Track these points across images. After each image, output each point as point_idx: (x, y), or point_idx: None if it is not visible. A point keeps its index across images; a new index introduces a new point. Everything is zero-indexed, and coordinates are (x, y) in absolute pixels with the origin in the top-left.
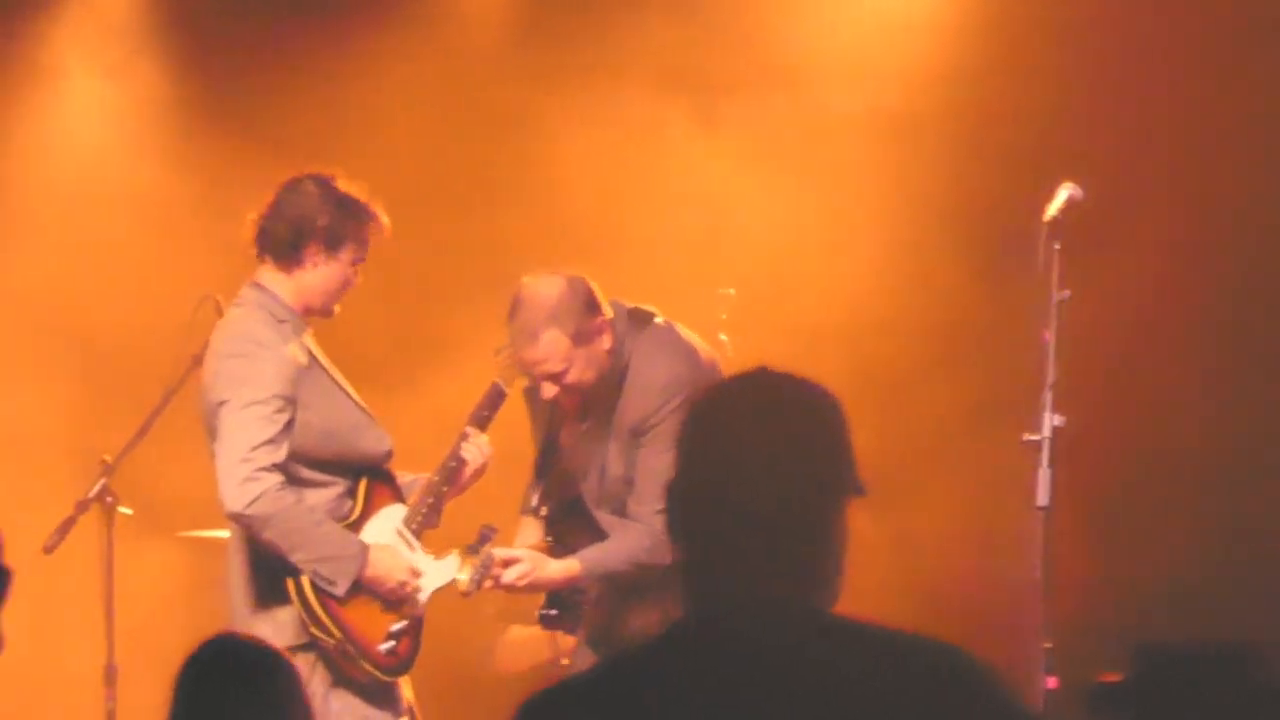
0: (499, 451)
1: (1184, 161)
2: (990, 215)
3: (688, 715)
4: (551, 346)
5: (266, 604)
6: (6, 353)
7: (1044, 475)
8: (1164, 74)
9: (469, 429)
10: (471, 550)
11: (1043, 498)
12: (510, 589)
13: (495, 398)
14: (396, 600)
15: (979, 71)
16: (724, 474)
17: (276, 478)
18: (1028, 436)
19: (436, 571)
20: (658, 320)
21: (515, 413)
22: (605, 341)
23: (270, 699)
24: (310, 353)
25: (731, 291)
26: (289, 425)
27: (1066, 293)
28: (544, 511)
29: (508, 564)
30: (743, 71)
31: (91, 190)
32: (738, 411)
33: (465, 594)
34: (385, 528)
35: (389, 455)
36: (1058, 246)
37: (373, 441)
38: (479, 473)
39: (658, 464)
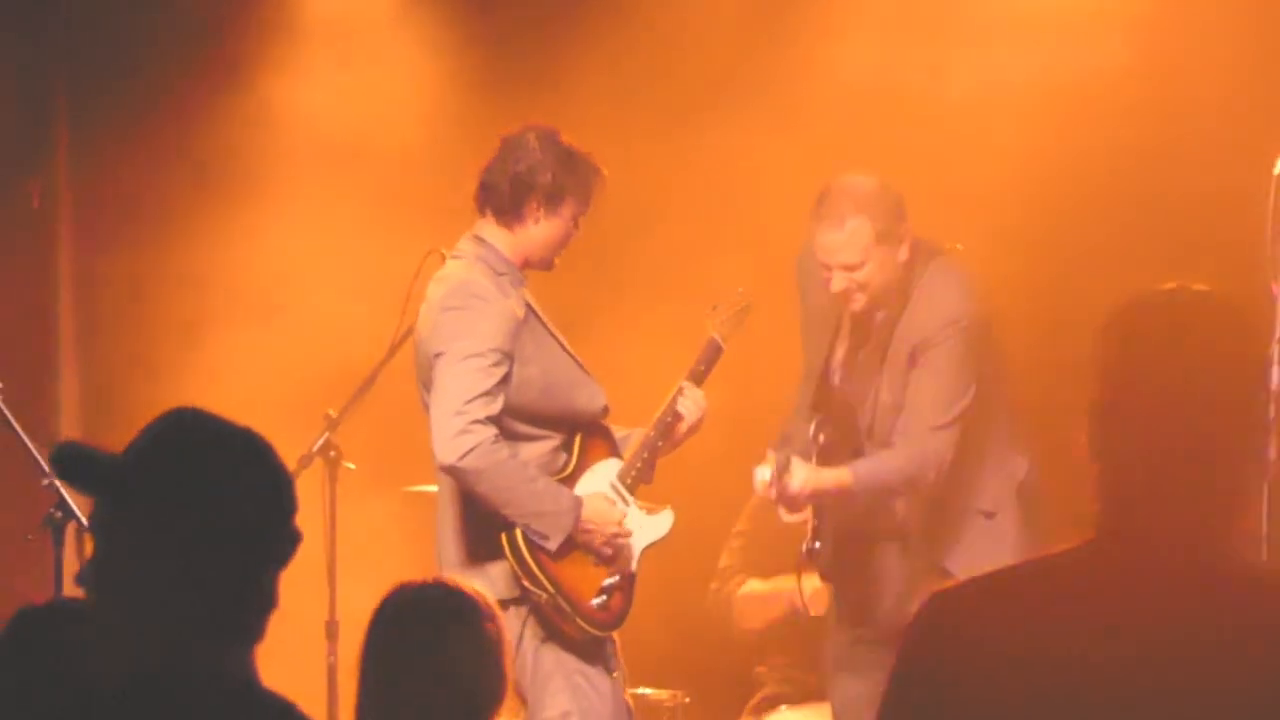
0: (716, 410)
1: None
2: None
3: (1088, 633)
4: (856, 235)
5: (478, 558)
6: (235, 312)
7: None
8: None
9: (685, 384)
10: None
11: (1271, 453)
12: (795, 498)
13: (712, 352)
14: (609, 554)
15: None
16: (1152, 394)
17: (491, 431)
18: None
19: (649, 526)
20: (944, 256)
21: (737, 372)
22: (904, 251)
23: (470, 642)
24: (529, 306)
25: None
26: (505, 379)
27: None
28: (822, 439)
29: (784, 468)
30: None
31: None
32: (1160, 335)
33: (765, 485)
34: (599, 482)
35: (605, 411)
36: None
37: (588, 397)
38: (694, 428)
39: (936, 382)
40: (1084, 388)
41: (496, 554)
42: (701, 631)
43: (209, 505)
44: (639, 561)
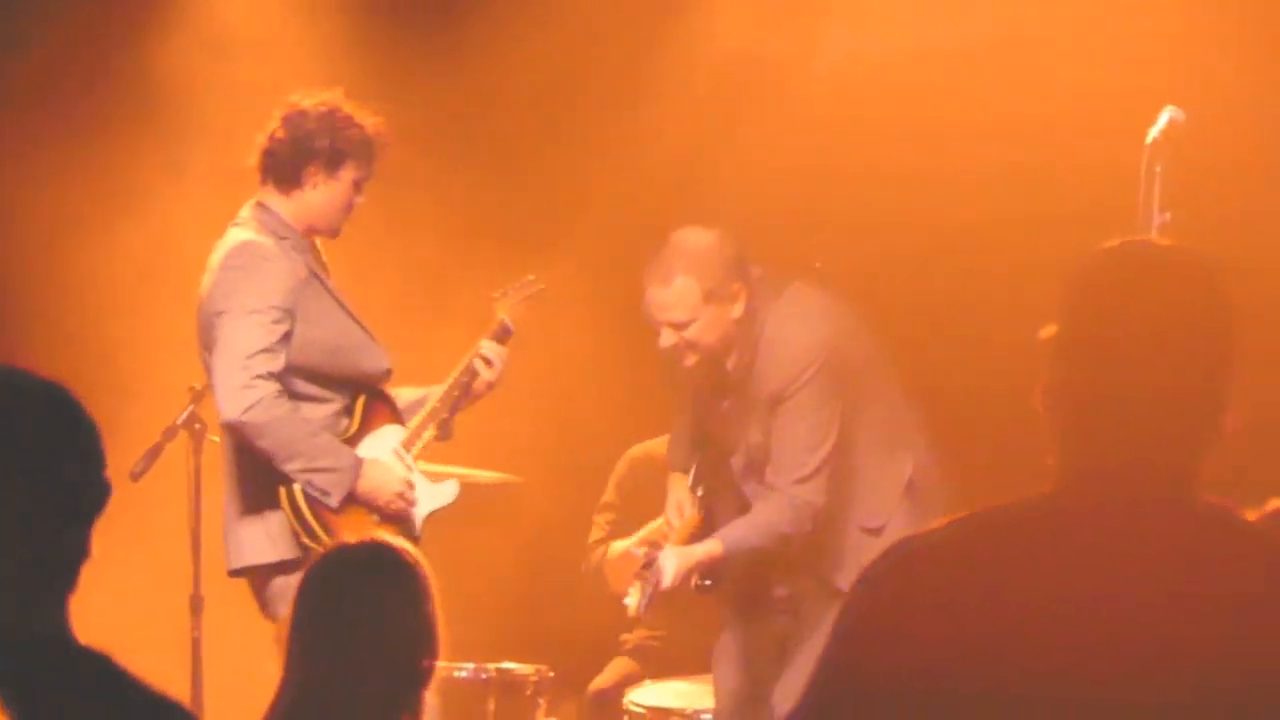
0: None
1: None
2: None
3: (1059, 576)
4: (682, 294)
5: (259, 512)
6: (109, 293)
7: None
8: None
9: (484, 341)
10: (643, 574)
11: None
12: (674, 590)
13: (501, 333)
14: (391, 517)
15: None
16: (1112, 343)
17: (273, 386)
18: None
19: (433, 495)
20: (795, 285)
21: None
22: (736, 309)
23: (403, 596)
24: (312, 270)
25: None
26: (286, 336)
27: (1167, 215)
28: (700, 491)
29: (651, 561)
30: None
31: None
32: (1126, 281)
33: (635, 615)
34: (381, 447)
35: (387, 374)
36: (1159, 169)
37: (372, 360)
38: (492, 385)
39: (794, 431)
40: (977, 365)
41: (277, 507)
42: (564, 605)
43: (17, 457)
44: (422, 529)
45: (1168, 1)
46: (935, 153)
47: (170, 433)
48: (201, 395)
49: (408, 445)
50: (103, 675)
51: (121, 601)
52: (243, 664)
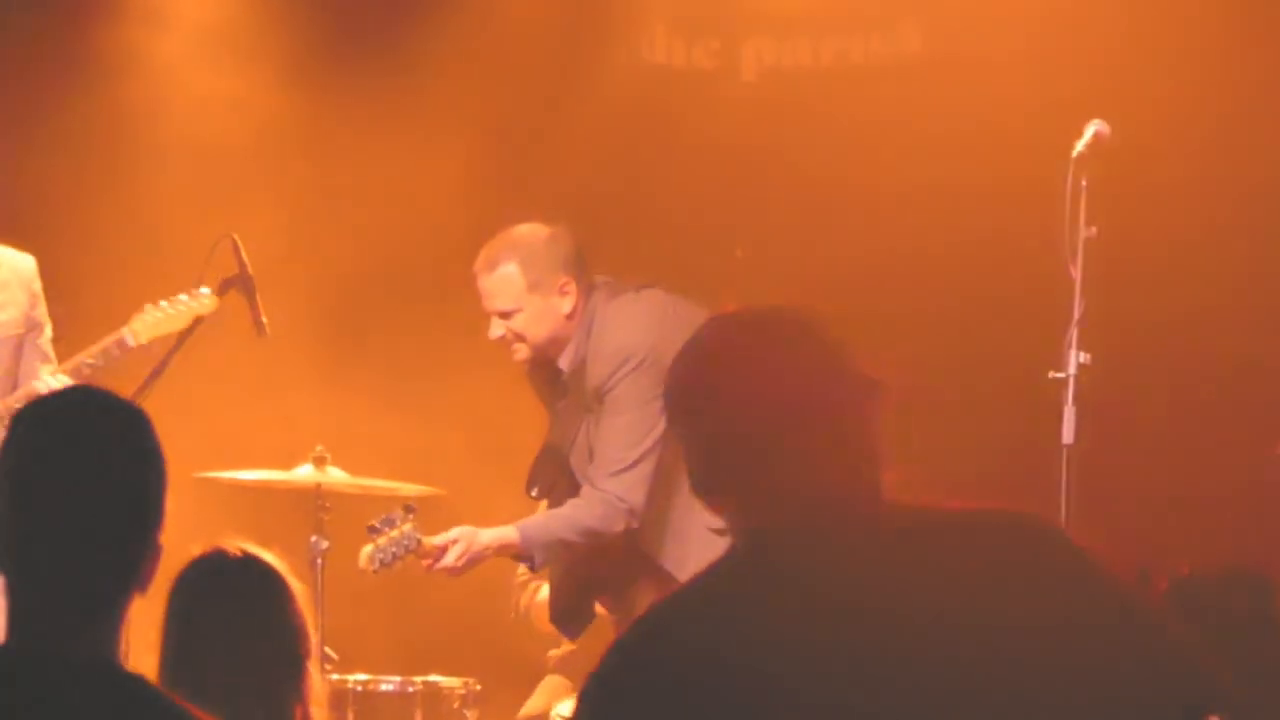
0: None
1: (1215, 98)
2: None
3: (783, 626)
4: (505, 281)
5: None
6: None
7: (1069, 413)
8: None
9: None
10: (377, 528)
11: (1068, 436)
12: (452, 572)
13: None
14: None
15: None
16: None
17: None
18: (1054, 374)
19: None
20: (647, 291)
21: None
22: (564, 304)
23: (270, 600)
24: None
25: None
26: None
27: (1093, 230)
28: (535, 492)
29: (444, 550)
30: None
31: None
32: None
33: (372, 570)
34: None
35: None
36: (1085, 183)
37: None
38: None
39: (611, 425)
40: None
41: None
42: (493, 618)
43: (87, 478)
44: None
45: (1092, 15)
46: (859, 168)
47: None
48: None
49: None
50: (143, 699)
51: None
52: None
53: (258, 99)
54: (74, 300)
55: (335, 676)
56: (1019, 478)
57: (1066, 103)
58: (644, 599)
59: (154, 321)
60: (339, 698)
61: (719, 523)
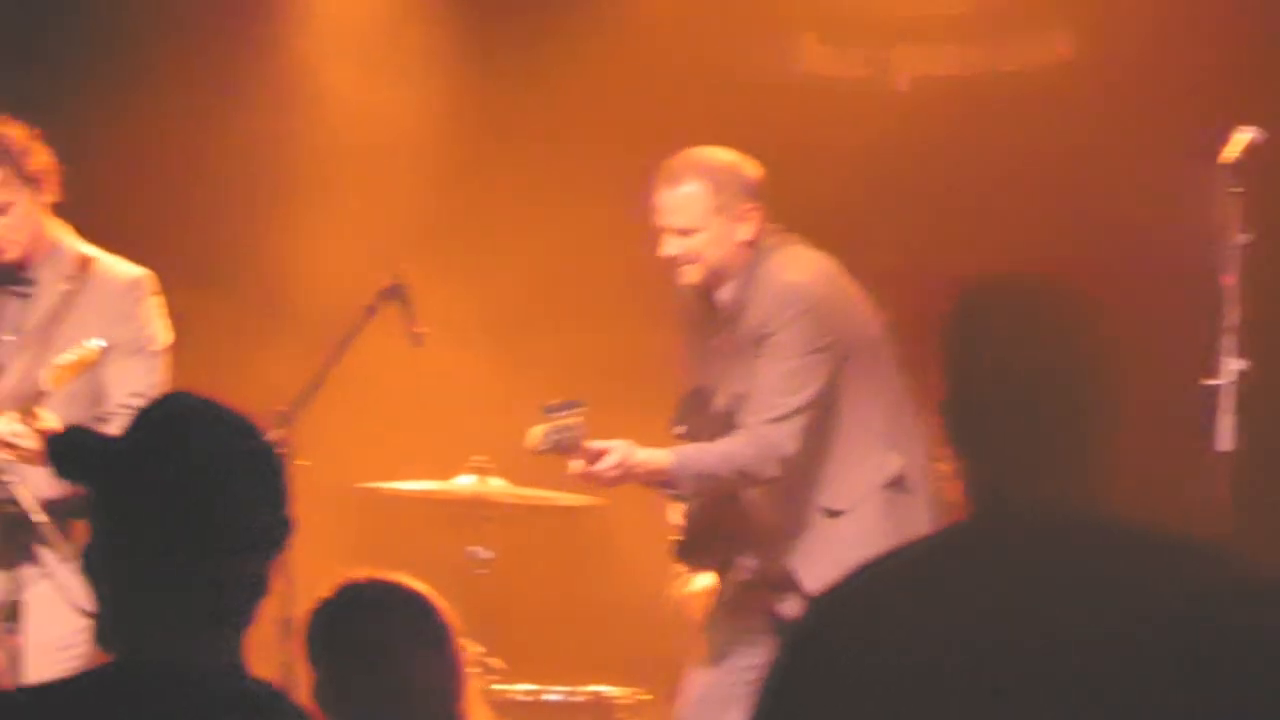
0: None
1: None
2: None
3: (984, 614)
4: (690, 199)
5: None
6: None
7: (1226, 420)
8: None
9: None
10: (554, 409)
11: (1225, 443)
12: (603, 478)
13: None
14: None
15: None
16: (997, 378)
17: None
18: (1207, 381)
19: None
20: (806, 245)
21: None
22: (746, 231)
23: (416, 635)
24: None
25: None
26: None
27: (1247, 236)
28: (679, 431)
29: (601, 454)
30: None
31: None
32: (1007, 313)
33: (536, 450)
34: None
35: None
36: (1237, 190)
37: None
38: None
39: (771, 371)
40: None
41: None
42: (662, 627)
43: (205, 490)
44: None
45: (1239, 19)
46: (1008, 175)
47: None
48: (289, 419)
49: None
50: (275, 708)
51: None
52: None
53: (418, 109)
54: (240, 308)
55: (501, 687)
56: (1175, 486)
57: (1216, 107)
58: (778, 548)
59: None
60: (505, 708)
61: (837, 504)
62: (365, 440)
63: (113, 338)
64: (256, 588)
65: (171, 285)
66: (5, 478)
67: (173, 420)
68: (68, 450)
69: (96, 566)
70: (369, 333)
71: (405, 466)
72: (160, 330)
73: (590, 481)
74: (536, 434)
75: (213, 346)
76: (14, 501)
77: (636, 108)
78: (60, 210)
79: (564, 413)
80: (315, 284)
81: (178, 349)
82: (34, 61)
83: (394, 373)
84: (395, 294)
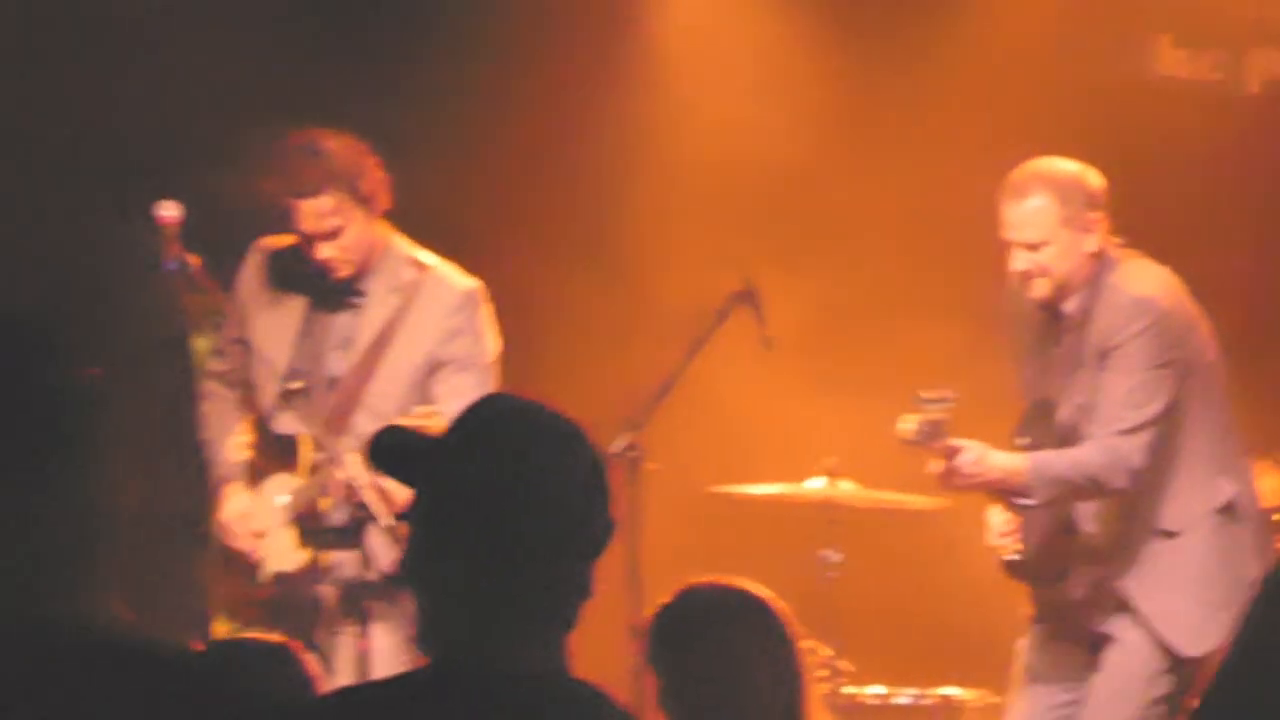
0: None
1: None
2: None
3: None
4: (1038, 213)
5: None
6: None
7: None
8: None
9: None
10: (928, 401)
11: None
12: (959, 477)
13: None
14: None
15: None
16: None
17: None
18: None
19: (284, 557)
20: (1149, 259)
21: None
22: (1092, 242)
23: (760, 642)
24: None
25: None
26: None
27: None
28: (1023, 442)
29: (958, 450)
30: None
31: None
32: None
33: (905, 440)
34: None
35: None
36: None
37: None
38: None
39: (1117, 384)
40: None
41: None
42: (1009, 628)
43: (529, 493)
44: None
45: None
46: None
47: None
48: (639, 424)
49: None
50: (598, 711)
51: None
52: None
53: (770, 111)
54: (590, 313)
55: (850, 690)
56: None
57: None
58: (1111, 567)
59: None
60: (854, 711)
61: (1172, 525)
62: (715, 444)
63: (444, 353)
64: (579, 590)
65: (522, 292)
66: (355, 482)
67: (494, 421)
68: (389, 448)
69: (416, 569)
70: (719, 336)
71: (755, 470)
72: (490, 343)
73: (946, 481)
74: (909, 423)
75: (563, 353)
76: (364, 506)
77: (989, 108)
78: (400, 216)
79: (936, 405)
80: (665, 288)
81: (528, 356)
82: (380, 68)
83: (744, 376)
84: (746, 298)
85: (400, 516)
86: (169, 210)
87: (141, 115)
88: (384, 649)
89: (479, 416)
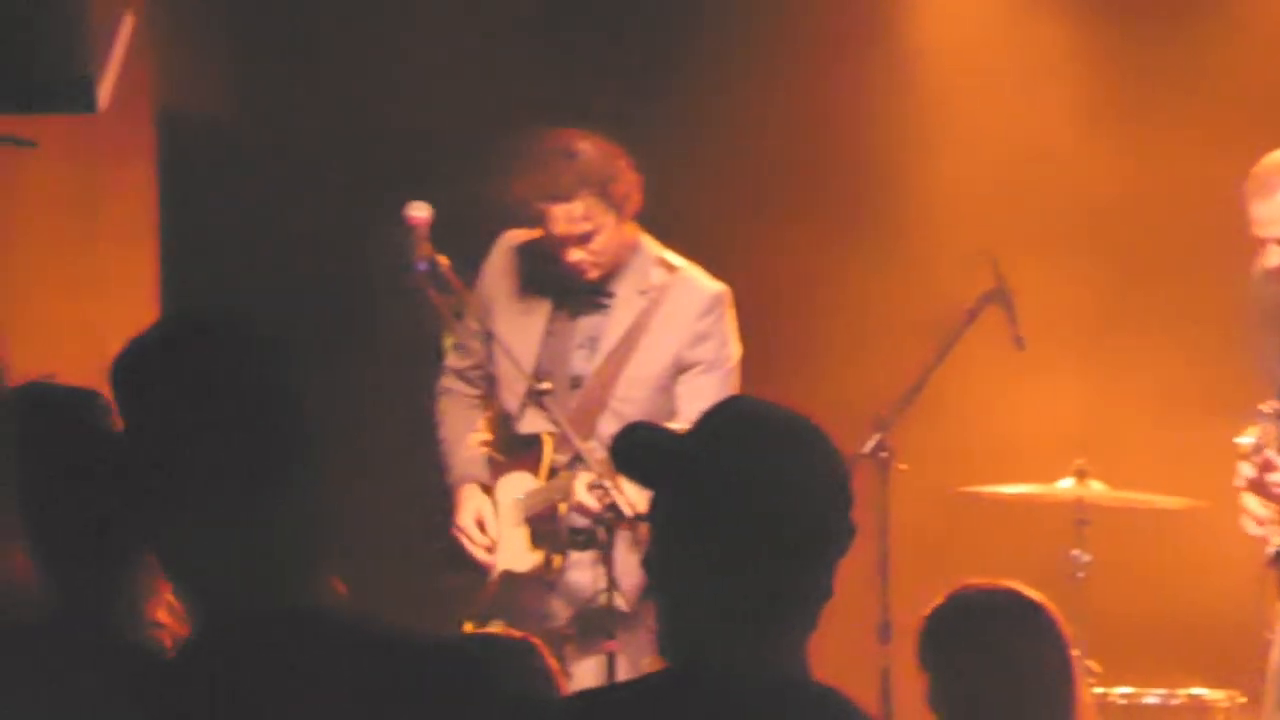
0: None
1: None
2: None
3: None
4: None
5: None
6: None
7: None
8: None
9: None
10: (1263, 417)
11: None
12: (1266, 487)
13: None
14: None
15: None
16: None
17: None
18: None
19: (514, 556)
20: None
21: None
22: None
23: (1041, 647)
24: None
25: None
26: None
27: None
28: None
29: (1273, 468)
30: None
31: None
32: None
33: (1243, 455)
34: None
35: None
36: None
37: None
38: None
39: None
40: None
41: None
42: (1259, 627)
43: (771, 495)
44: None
45: None
46: None
47: (854, 461)
48: (888, 424)
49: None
50: (841, 714)
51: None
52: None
53: (1025, 107)
54: (839, 314)
55: (1099, 690)
56: None
57: None
58: None
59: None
60: (1103, 711)
61: None
62: (964, 444)
63: (691, 355)
64: (820, 592)
65: (782, 290)
66: (603, 484)
67: (736, 423)
68: (631, 447)
69: (658, 571)
70: (970, 336)
71: (1005, 470)
72: (734, 347)
73: (1255, 489)
74: (1249, 438)
75: (811, 354)
76: (614, 507)
77: (1252, 105)
78: (649, 218)
79: (1271, 419)
80: (914, 288)
81: (784, 354)
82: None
83: (994, 376)
84: (997, 297)
85: (641, 518)
86: (419, 211)
87: (395, 117)
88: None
89: (721, 419)
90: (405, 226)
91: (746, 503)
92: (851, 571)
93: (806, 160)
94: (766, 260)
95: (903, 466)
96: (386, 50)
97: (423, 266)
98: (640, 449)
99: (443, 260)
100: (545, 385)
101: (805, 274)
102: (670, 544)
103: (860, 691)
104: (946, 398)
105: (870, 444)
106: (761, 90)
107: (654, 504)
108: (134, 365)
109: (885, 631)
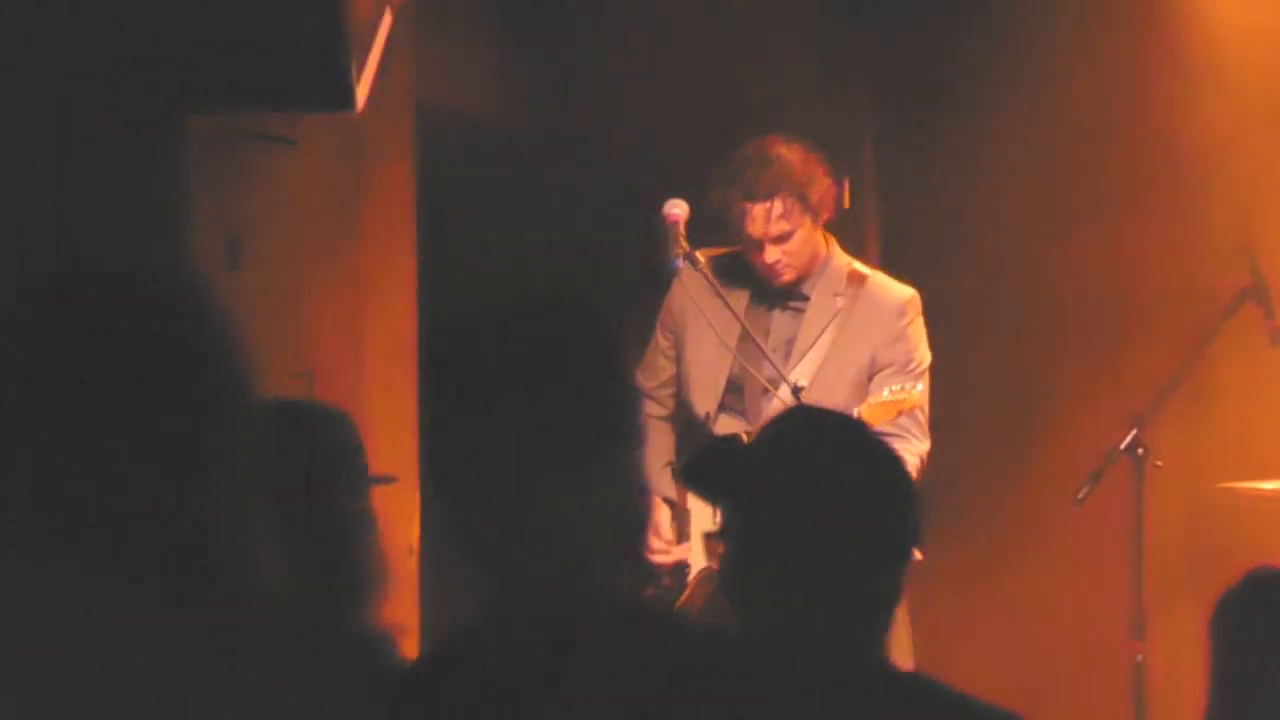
0: None
1: None
2: None
3: None
4: None
5: None
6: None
7: None
8: None
9: None
10: None
11: None
12: None
13: None
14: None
15: None
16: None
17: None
18: None
19: (707, 552)
20: None
21: None
22: None
23: None
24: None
25: None
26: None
27: None
28: None
29: None
30: None
31: None
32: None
33: None
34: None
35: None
36: None
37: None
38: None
39: None
40: None
41: None
42: None
43: (836, 505)
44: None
45: None
46: None
47: (1111, 457)
48: (1144, 420)
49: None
50: (930, 695)
51: (1061, 623)
52: (1186, 688)
53: None
54: (1095, 308)
55: None
56: None
57: None
58: None
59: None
60: None
61: None
62: (1223, 440)
63: (884, 357)
64: (889, 597)
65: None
66: None
67: (799, 434)
68: (699, 468)
69: (731, 582)
70: (1229, 331)
71: (1266, 466)
72: (924, 350)
73: None
74: None
75: (1066, 349)
76: None
77: None
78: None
79: None
80: (1171, 283)
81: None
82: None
83: (1253, 371)
84: (1253, 292)
85: (715, 535)
86: (676, 208)
87: (655, 115)
88: None
89: (784, 430)
90: (664, 223)
91: (811, 513)
92: (1105, 568)
93: (1103, 156)
94: (1036, 249)
95: (1159, 463)
96: (646, 48)
97: (680, 263)
98: (706, 468)
99: (700, 256)
100: (801, 381)
101: (1080, 262)
102: (741, 555)
103: (1113, 687)
104: (1205, 393)
105: (1126, 440)
106: (1053, 93)
107: (727, 518)
108: None
109: (1139, 627)
